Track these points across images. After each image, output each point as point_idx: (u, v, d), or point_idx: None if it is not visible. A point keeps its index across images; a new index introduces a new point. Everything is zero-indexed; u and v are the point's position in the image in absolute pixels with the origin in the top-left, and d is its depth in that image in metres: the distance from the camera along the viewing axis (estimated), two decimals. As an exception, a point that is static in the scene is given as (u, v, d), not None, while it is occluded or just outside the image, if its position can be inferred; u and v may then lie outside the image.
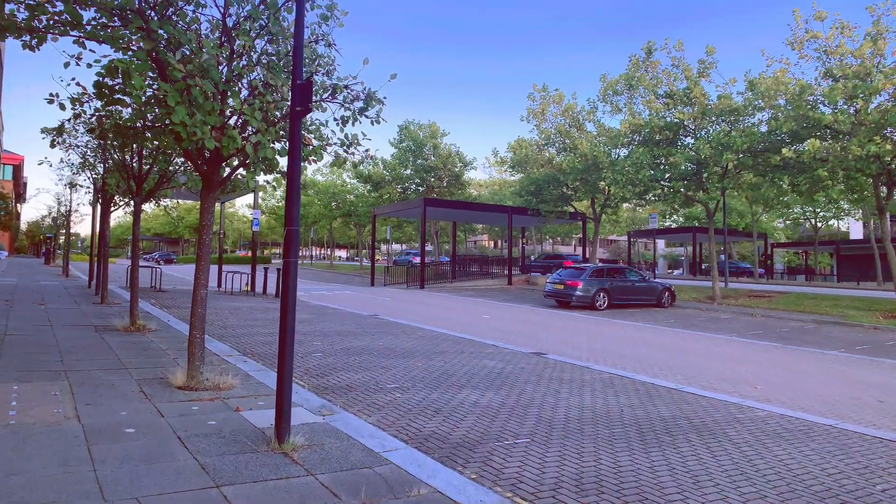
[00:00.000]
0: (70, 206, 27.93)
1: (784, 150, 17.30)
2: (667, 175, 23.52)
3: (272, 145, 6.59)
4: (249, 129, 6.48)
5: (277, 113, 6.72)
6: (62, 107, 6.81)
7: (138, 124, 7.38)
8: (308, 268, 57.31)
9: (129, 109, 7.27)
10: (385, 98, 7.11)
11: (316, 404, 6.11)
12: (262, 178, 7.11)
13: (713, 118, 22.01)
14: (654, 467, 4.91)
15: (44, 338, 8.96)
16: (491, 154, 37.35)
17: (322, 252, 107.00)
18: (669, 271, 72.00)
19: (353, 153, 7.33)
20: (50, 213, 37.16)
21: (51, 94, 6.71)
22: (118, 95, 6.49)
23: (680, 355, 11.38)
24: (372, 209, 35.04)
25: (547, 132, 28.48)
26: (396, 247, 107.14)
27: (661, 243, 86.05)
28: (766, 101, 19.10)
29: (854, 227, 66.89)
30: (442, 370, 8.76)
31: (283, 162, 7.72)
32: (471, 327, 14.59)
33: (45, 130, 7.16)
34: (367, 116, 7.18)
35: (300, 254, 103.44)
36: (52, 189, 51.15)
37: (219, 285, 25.08)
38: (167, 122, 5.62)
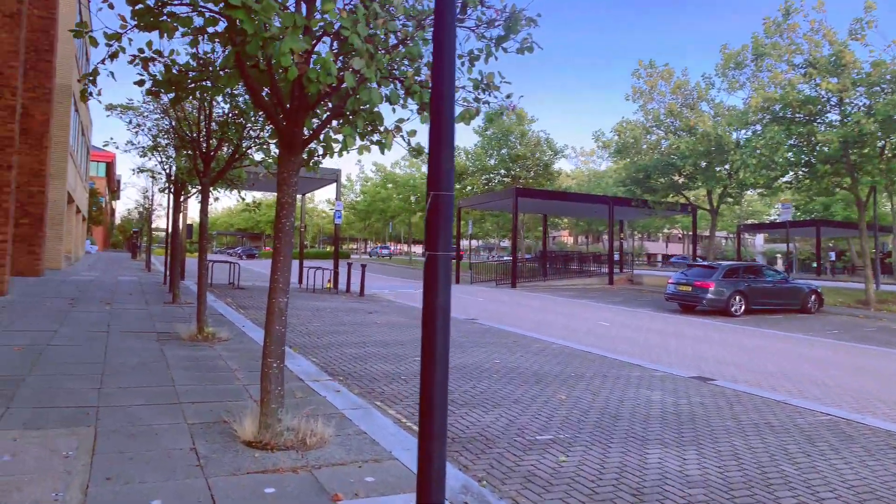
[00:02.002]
0: (152, 198, 27.32)
1: None
2: (803, 158, 20.07)
3: (375, 86, 4.43)
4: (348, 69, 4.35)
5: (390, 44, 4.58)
6: (93, 41, 4.89)
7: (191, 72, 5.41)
8: (387, 263, 56.04)
9: (180, 47, 5.37)
10: (539, 16, 4.87)
11: (455, 484, 3.87)
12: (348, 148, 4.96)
13: (865, 89, 18.44)
14: None
15: (91, 350, 7.22)
16: (591, 138, 34.03)
17: (398, 247, 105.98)
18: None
19: (487, 101, 5.10)
20: (136, 208, 37.24)
21: (78, 24, 4.80)
22: (163, 18, 4.53)
23: (899, 385, 8.51)
24: (458, 202, 32.92)
25: (655, 113, 25.38)
26: (473, 243, 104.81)
27: (759, 239, 79.75)
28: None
29: None
30: (596, 407, 6.39)
31: (385, 116, 5.51)
32: (594, 338, 12.11)
33: (81, 79, 5.26)
34: (505, 49, 4.96)
35: (368, 249, 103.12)
36: (137, 183, 52.05)
37: (300, 281, 23.67)
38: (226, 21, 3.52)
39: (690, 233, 67.92)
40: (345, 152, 4.72)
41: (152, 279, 20.68)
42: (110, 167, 62.13)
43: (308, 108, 4.52)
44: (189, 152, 9.39)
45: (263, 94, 4.72)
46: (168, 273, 17.81)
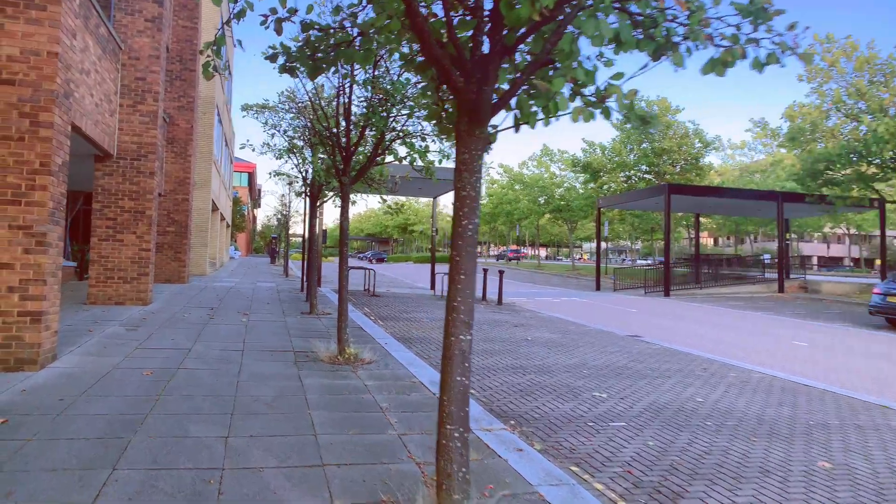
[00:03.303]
0: (289, 205, 27.70)
1: None
2: None
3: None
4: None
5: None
6: (216, -3, 3.76)
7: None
8: (514, 268, 54.45)
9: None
10: None
11: None
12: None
13: None
14: None
15: (224, 376, 6.28)
16: (755, 125, 30.06)
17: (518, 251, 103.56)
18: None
19: (755, 40, 3.40)
20: (275, 214, 38.54)
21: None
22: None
23: None
24: (597, 200, 30.48)
25: (836, 93, 21.75)
26: (592, 245, 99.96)
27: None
28: None
29: None
30: (889, 483, 4.40)
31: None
32: (801, 364, 9.81)
33: (203, 50, 4.16)
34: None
35: (492, 252, 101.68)
36: (276, 191, 54.26)
37: (432, 287, 22.78)
38: None
39: (856, 231, 59.90)
40: (552, 119, 3.21)
41: (289, 285, 20.57)
42: (252, 177, 65.83)
43: (504, 52, 3.06)
44: (325, 151, 8.40)
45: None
46: (305, 280, 17.42)
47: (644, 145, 35.08)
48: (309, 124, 10.59)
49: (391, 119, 7.26)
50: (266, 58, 4.98)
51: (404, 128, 7.79)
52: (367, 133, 7.57)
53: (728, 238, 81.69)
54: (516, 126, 3.44)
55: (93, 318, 9.74)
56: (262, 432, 4.55)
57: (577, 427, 5.60)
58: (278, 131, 11.35)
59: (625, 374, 8.24)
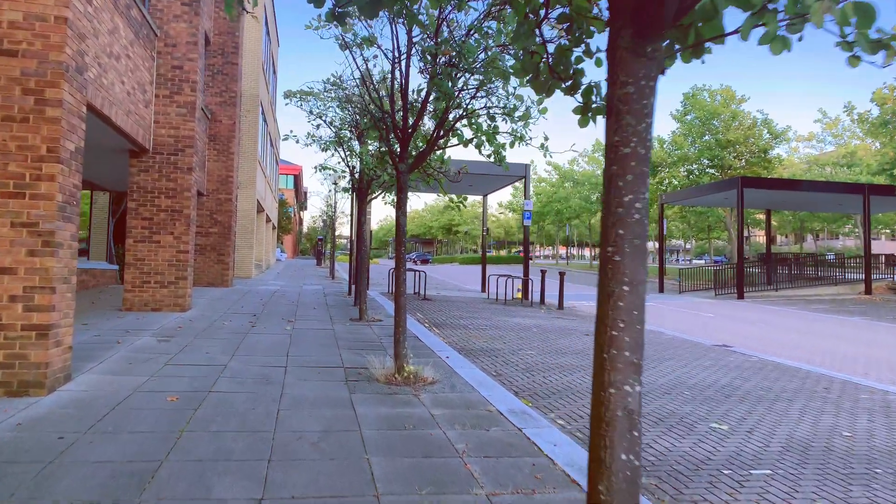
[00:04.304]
0: (335, 206, 26.94)
1: None
2: None
3: None
4: None
5: None
6: None
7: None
8: (564, 269, 52.68)
9: None
10: None
11: None
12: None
13: None
14: None
15: (261, 404, 5.20)
16: (843, 111, 27.82)
17: (566, 251, 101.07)
18: None
19: None
20: (321, 216, 38.00)
21: None
22: None
23: None
24: (659, 196, 28.57)
25: (933, 72, 19.55)
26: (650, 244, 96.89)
27: None
28: None
29: None
30: None
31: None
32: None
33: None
34: None
35: (545, 253, 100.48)
36: (321, 192, 53.97)
37: (483, 290, 21.65)
38: None
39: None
40: (784, 22, 1.96)
41: (336, 288, 19.66)
42: (297, 180, 65.85)
43: None
44: (379, 135, 7.27)
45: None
46: (353, 284, 16.46)
47: (706, 138, 32.98)
48: (357, 111, 9.56)
49: (457, 91, 6.08)
50: (309, 1, 3.87)
51: (469, 105, 6.60)
52: (426, 111, 6.41)
53: (786, 237, 77.92)
54: (696, 46, 2.19)
55: (125, 326, 8.88)
56: (308, 491, 3.42)
57: (711, 476, 4.30)
58: (324, 121, 10.34)
59: (734, 395, 6.86)
